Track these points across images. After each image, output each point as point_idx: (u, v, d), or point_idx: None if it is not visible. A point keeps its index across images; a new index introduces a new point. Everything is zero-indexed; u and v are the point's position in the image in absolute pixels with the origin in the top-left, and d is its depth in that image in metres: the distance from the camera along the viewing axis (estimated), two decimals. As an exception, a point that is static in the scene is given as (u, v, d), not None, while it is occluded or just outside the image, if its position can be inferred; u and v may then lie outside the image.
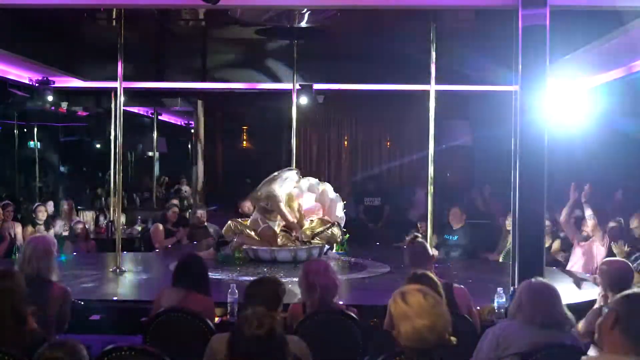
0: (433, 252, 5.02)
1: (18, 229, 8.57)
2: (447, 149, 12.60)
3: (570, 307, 3.68)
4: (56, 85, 9.87)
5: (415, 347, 2.33)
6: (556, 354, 3.34)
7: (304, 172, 11.39)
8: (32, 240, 4.49)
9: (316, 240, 7.30)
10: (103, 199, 12.77)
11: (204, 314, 4.15)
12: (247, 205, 8.74)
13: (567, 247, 7.76)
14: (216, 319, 4.48)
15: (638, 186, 9.51)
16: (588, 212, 6.92)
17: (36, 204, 9.48)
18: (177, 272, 4.43)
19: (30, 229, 8.50)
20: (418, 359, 2.35)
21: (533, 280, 3.65)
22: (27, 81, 9.74)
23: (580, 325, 4.15)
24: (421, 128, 12.49)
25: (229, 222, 7.49)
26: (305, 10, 7.02)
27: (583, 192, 6.89)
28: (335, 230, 7.41)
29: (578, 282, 6.19)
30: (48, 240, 4.46)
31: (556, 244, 7.99)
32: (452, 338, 2.42)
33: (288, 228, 7.35)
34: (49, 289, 4.19)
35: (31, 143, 15.93)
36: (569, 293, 4.99)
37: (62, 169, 17.52)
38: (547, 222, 7.40)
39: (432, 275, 3.97)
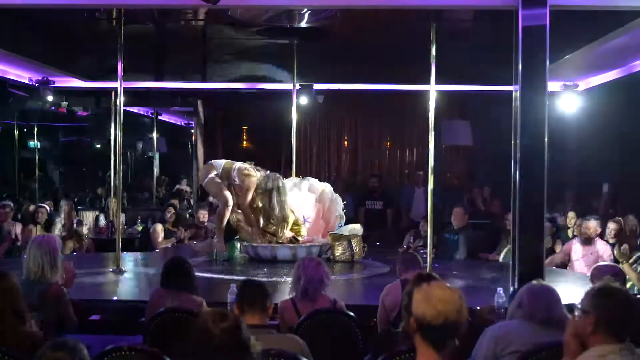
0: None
1: (18, 229, 8.57)
2: (447, 149, 12.63)
3: (571, 307, 3.68)
4: (56, 85, 9.88)
5: (428, 321, 2.37)
6: (556, 354, 3.34)
7: (304, 172, 11.45)
8: (36, 239, 4.50)
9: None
10: (103, 199, 12.77)
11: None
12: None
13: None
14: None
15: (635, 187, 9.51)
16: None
17: (36, 204, 9.48)
18: (165, 275, 4.53)
19: (31, 229, 8.50)
20: (430, 333, 2.40)
21: (534, 282, 3.65)
22: (27, 81, 9.74)
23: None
24: (421, 128, 12.60)
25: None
26: (305, 10, 7.02)
27: None
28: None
29: (579, 282, 6.18)
30: (53, 239, 4.47)
31: (557, 246, 8.01)
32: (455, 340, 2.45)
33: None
34: (46, 290, 4.20)
35: (31, 143, 15.93)
36: (569, 293, 4.98)
37: (62, 169, 17.52)
38: (547, 223, 7.43)
39: (436, 276, 3.97)
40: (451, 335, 2.40)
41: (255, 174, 7.30)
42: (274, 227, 7.42)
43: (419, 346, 2.45)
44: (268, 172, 7.45)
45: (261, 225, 7.39)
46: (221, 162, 7.45)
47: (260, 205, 7.35)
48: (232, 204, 7.27)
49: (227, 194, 7.25)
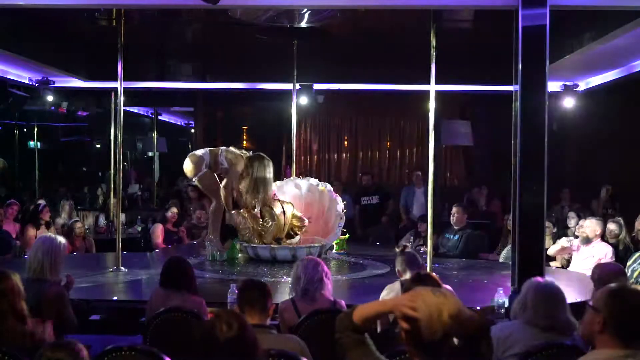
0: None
1: (18, 229, 8.55)
2: (447, 149, 12.63)
3: (571, 307, 3.68)
4: (56, 85, 9.88)
5: (424, 335, 2.28)
6: (556, 354, 3.34)
7: (304, 172, 11.45)
8: (41, 238, 4.50)
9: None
10: (103, 199, 12.76)
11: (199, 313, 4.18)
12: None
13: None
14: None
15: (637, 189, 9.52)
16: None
17: (36, 204, 9.46)
18: (164, 274, 4.53)
19: (31, 229, 8.48)
20: (425, 351, 2.31)
21: (541, 281, 3.63)
22: (27, 81, 9.74)
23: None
24: (421, 128, 12.61)
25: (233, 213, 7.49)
26: (305, 10, 7.02)
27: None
28: None
29: (579, 282, 6.18)
30: (57, 240, 4.47)
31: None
32: (454, 339, 2.41)
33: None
34: (46, 289, 4.20)
35: (31, 143, 15.92)
36: (569, 293, 4.98)
37: (62, 169, 17.51)
38: (548, 223, 7.42)
39: (435, 275, 3.97)
40: (442, 348, 2.27)
41: (241, 154, 7.32)
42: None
43: (410, 354, 2.36)
44: (251, 152, 7.44)
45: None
46: (206, 151, 7.42)
47: (244, 189, 7.24)
48: (224, 201, 7.28)
49: (221, 190, 7.25)
